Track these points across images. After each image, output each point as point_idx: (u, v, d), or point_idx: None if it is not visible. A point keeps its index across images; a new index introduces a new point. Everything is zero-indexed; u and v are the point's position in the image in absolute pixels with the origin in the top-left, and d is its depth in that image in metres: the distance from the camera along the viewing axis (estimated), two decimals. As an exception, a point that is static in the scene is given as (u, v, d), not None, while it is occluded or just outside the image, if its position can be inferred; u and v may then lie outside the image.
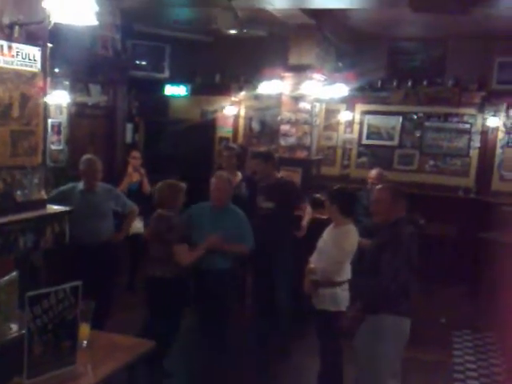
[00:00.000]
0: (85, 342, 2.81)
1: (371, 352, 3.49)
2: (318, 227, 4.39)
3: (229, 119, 9.00)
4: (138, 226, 5.80)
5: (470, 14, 5.92)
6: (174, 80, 8.96)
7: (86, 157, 5.01)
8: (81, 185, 4.88)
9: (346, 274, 4.05)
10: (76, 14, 2.82)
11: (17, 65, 2.49)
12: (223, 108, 8.90)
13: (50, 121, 6.03)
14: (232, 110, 8.87)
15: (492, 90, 7.85)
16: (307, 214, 5.26)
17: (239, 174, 5.51)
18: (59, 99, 6.06)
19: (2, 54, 2.42)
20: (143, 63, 8.70)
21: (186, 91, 9.01)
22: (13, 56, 2.47)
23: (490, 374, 4.89)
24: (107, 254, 4.89)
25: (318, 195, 6.96)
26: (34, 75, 2.60)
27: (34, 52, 2.58)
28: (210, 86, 8.93)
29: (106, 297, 4.76)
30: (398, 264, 3.40)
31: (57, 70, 5.81)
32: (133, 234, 5.70)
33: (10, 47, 2.44)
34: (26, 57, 2.53)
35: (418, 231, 3.95)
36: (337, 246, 3.98)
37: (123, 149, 7.44)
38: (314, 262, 4.10)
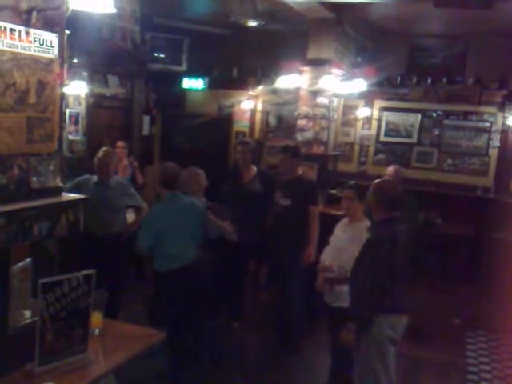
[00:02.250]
0: (97, 330, 2.82)
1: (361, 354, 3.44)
2: (332, 224, 4.34)
3: (246, 113, 8.96)
4: (131, 218, 5.74)
5: (493, 9, 5.81)
6: (192, 73, 8.95)
7: (101, 149, 5.00)
8: (95, 177, 4.89)
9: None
10: (93, 1, 2.82)
11: (34, 51, 2.48)
12: (240, 102, 8.87)
13: (68, 111, 6.09)
14: (249, 104, 8.84)
15: (513, 89, 7.73)
16: (314, 226, 4.97)
17: (254, 169, 5.48)
18: (77, 90, 6.09)
19: (20, 40, 2.41)
20: (161, 56, 8.69)
21: (204, 85, 8.99)
22: (30, 42, 2.46)
23: (504, 376, 4.82)
24: (118, 246, 4.90)
25: (333, 191, 6.91)
26: (51, 62, 2.59)
27: (52, 38, 2.56)
28: (228, 79, 8.90)
29: (116, 288, 4.76)
30: (377, 265, 3.23)
31: (75, 61, 5.84)
32: None
33: (27, 33, 2.43)
34: (43, 43, 2.52)
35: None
36: (356, 243, 3.92)
37: (140, 141, 7.47)
38: (328, 259, 4.05)
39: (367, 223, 4.01)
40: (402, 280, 3.34)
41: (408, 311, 3.46)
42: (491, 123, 7.97)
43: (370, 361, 3.40)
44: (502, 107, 7.81)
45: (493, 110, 7.90)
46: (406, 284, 3.39)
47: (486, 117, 8.01)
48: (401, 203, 3.40)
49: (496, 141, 7.95)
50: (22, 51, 2.45)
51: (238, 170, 5.47)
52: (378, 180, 3.65)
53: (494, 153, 7.98)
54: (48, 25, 2.55)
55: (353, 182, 4.32)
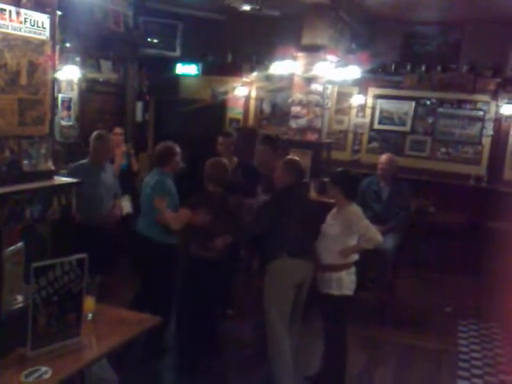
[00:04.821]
0: (90, 314, 2.81)
1: (264, 291, 3.99)
2: (325, 212, 4.33)
3: (239, 100, 8.92)
4: (127, 204, 5.74)
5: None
6: (186, 59, 8.89)
7: (98, 132, 4.98)
8: (87, 161, 4.88)
9: (352, 256, 4.02)
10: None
11: (25, 31, 2.44)
12: (234, 89, 8.82)
13: (60, 96, 6.04)
14: (243, 90, 8.79)
15: (507, 77, 7.72)
16: None
17: (235, 160, 5.45)
18: (70, 75, 6.05)
19: (10, 20, 2.37)
20: (155, 41, 8.62)
21: (197, 70, 8.94)
22: (21, 22, 2.42)
23: (495, 363, 4.86)
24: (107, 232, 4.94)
25: (326, 179, 6.91)
26: (42, 43, 2.55)
27: (43, 19, 2.53)
28: (222, 65, 8.85)
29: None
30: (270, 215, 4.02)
31: (68, 45, 5.78)
32: (126, 213, 5.65)
33: (18, 13, 2.39)
34: (34, 24, 2.48)
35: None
36: (346, 230, 3.94)
37: (133, 127, 7.43)
38: (320, 246, 4.06)
39: (354, 207, 4.03)
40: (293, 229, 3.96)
41: (305, 257, 3.96)
42: (485, 112, 7.98)
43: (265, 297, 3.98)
44: (495, 95, 7.83)
45: (486, 98, 7.91)
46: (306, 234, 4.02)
47: (479, 105, 8.03)
48: (301, 175, 4.25)
49: (489, 129, 7.96)
50: (13, 32, 2.41)
51: None
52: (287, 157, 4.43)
53: (487, 141, 8.00)
54: (39, 5, 2.51)
55: (340, 169, 4.46)
